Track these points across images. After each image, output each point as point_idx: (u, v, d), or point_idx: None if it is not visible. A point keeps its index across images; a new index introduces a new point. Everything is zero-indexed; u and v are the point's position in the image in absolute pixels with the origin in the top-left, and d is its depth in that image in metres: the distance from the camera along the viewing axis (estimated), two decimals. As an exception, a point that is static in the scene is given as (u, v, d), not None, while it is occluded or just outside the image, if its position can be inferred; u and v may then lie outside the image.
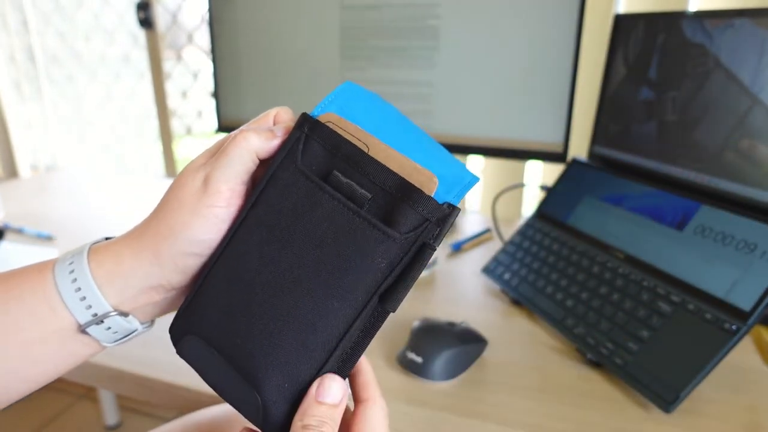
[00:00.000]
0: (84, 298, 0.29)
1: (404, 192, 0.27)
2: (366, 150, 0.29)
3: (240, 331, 0.28)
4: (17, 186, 1.26)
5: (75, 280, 0.29)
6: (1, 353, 0.29)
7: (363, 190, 0.28)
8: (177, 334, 0.31)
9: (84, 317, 0.29)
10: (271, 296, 0.28)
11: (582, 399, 0.52)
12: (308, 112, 0.30)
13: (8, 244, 0.88)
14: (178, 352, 0.30)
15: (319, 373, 0.27)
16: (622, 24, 0.70)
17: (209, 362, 0.29)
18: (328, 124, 0.29)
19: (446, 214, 0.27)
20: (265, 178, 0.29)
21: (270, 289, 0.28)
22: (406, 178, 0.27)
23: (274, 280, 0.28)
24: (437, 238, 0.27)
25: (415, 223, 0.27)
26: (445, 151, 0.30)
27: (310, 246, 0.28)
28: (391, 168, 0.28)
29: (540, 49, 0.74)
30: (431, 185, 0.27)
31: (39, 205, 1.11)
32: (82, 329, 0.29)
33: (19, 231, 0.94)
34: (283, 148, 0.30)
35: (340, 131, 0.29)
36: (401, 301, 0.28)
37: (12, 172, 1.48)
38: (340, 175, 0.28)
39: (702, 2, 0.86)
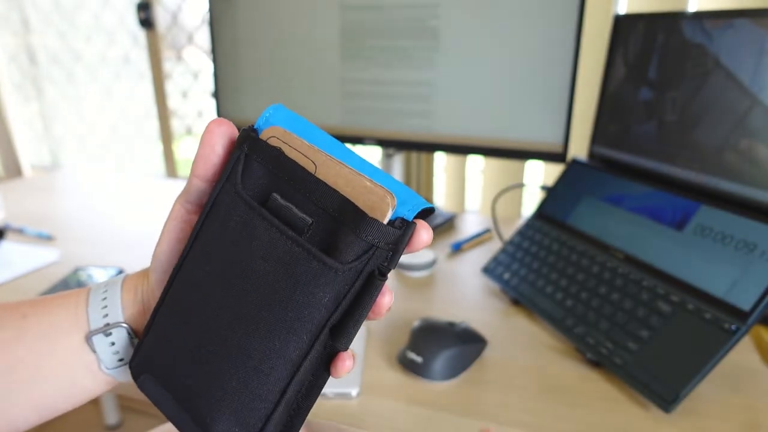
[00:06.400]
0: (105, 306, 0.30)
1: (347, 215, 0.24)
2: (313, 168, 0.25)
3: (187, 372, 0.26)
4: (18, 186, 1.26)
5: (105, 290, 0.31)
6: (14, 368, 0.29)
7: (303, 214, 0.25)
8: (135, 371, 0.29)
9: (97, 323, 0.30)
10: (214, 335, 0.25)
11: (582, 399, 0.52)
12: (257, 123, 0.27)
13: (9, 244, 0.88)
14: (139, 388, 0.29)
15: (269, 419, 0.25)
16: (622, 24, 0.70)
17: (165, 401, 0.27)
18: (270, 140, 0.26)
19: (398, 236, 0.24)
20: (208, 205, 0.27)
21: (214, 328, 0.26)
22: (352, 199, 0.24)
23: (217, 317, 0.26)
24: (391, 260, 0.24)
25: (360, 251, 0.23)
26: (394, 179, 0.26)
27: (252, 279, 0.25)
28: (337, 188, 0.24)
29: (540, 49, 0.74)
30: (384, 206, 0.23)
31: (40, 205, 1.11)
32: (90, 336, 0.30)
33: (20, 231, 0.94)
34: (225, 170, 0.27)
35: (284, 147, 0.26)
36: (352, 338, 0.25)
37: (13, 172, 1.48)
38: (279, 197, 0.25)
39: (702, 2, 0.86)
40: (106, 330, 0.30)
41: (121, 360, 0.30)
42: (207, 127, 0.27)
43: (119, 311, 0.30)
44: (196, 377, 0.26)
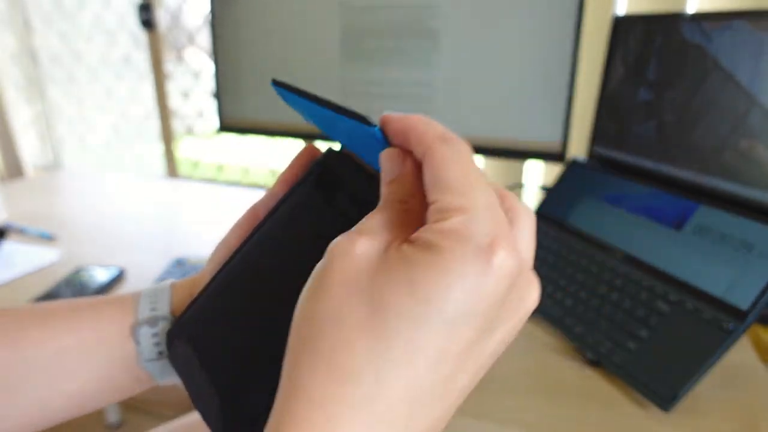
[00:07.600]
0: (155, 302, 0.32)
1: None
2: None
3: (222, 347, 0.27)
4: (19, 186, 1.26)
5: (156, 289, 0.33)
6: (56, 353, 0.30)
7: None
8: (171, 336, 0.30)
9: (144, 315, 0.31)
10: (255, 315, 0.27)
11: (581, 398, 0.52)
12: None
13: (10, 244, 0.88)
14: (169, 356, 0.30)
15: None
16: (621, 25, 0.70)
17: (193, 374, 0.28)
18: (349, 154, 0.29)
19: None
20: (281, 201, 0.30)
21: (256, 308, 0.27)
22: None
23: (261, 300, 0.27)
24: None
25: None
26: None
27: (301, 271, 0.25)
28: None
29: (539, 49, 0.75)
30: None
31: (41, 205, 1.11)
32: (135, 326, 0.31)
33: (21, 231, 0.95)
34: (305, 174, 0.30)
35: (358, 161, 0.28)
36: None
37: (14, 172, 1.48)
38: (346, 200, 0.27)
39: (700, 4, 0.86)
40: (151, 321, 0.31)
41: (160, 353, 0.31)
42: (307, 146, 0.32)
43: (167, 306, 0.32)
44: (227, 353, 0.26)
